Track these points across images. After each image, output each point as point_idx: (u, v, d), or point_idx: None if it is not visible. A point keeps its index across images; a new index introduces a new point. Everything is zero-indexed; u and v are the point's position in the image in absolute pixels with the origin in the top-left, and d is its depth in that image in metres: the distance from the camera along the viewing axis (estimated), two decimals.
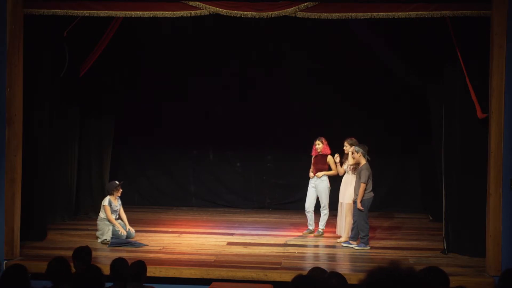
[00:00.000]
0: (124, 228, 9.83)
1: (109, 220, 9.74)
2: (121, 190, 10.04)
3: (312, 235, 10.35)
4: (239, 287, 7.72)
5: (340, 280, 4.94)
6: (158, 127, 13.06)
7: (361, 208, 9.34)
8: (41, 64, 9.52)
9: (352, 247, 9.45)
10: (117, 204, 9.99)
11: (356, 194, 9.46)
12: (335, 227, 10.31)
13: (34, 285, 5.09)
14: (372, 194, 9.45)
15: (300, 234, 10.47)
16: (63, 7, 8.77)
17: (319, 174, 10.31)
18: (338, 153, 10.11)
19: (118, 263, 5.92)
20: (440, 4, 8.35)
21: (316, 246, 9.86)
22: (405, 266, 2.26)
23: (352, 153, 9.57)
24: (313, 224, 10.40)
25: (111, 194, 9.96)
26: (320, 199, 10.38)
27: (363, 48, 11.56)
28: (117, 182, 10.08)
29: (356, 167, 9.65)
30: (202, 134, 12.96)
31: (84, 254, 6.17)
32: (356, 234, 9.50)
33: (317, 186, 10.36)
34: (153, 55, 12.66)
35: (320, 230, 10.36)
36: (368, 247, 9.43)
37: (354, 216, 9.53)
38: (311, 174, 10.43)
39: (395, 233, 10.79)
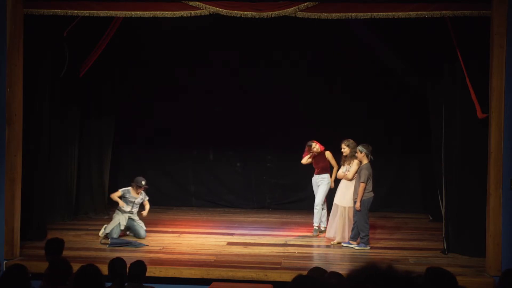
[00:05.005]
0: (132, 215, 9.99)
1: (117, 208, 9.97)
2: (140, 191, 10.09)
3: (317, 234, 10.31)
4: (239, 287, 7.71)
5: (340, 280, 4.93)
6: (158, 127, 13.05)
7: (359, 208, 9.34)
8: (41, 64, 9.51)
9: (352, 247, 9.45)
10: (137, 196, 10.07)
11: (356, 193, 9.46)
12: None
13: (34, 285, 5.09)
14: (372, 194, 9.44)
15: (300, 234, 10.47)
16: (63, 7, 8.77)
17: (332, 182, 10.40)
18: (337, 152, 10.12)
19: (116, 263, 5.93)
20: (440, 4, 8.35)
21: (316, 246, 9.85)
22: (385, 265, 2.25)
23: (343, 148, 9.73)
24: (325, 222, 10.39)
25: (132, 186, 10.09)
26: (316, 195, 10.42)
27: (363, 48, 11.56)
28: (143, 182, 10.07)
29: (349, 161, 9.68)
30: (202, 134, 12.95)
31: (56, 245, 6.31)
32: (356, 234, 9.49)
33: (319, 184, 10.42)
34: (154, 55, 12.65)
35: (315, 228, 10.37)
36: (368, 247, 9.43)
37: (354, 216, 9.53)
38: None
39: (395, 233, 10.78)
